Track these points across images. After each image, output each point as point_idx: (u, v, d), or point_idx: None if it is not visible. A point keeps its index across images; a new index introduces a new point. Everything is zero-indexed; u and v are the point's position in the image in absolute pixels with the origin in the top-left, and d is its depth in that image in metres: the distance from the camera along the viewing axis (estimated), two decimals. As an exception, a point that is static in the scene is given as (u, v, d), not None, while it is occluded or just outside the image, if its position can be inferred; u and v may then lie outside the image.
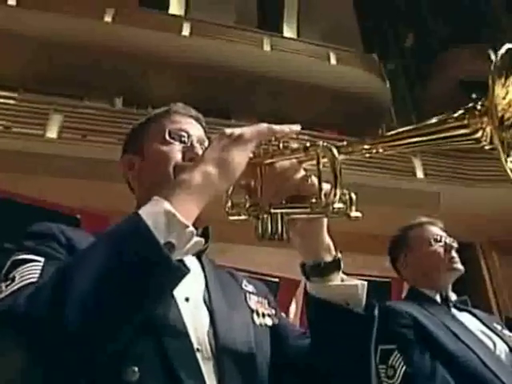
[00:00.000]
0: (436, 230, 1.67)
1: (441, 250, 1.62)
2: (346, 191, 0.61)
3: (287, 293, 2.66)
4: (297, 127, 0.66)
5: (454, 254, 1.62)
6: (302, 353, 0.77)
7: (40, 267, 0.63)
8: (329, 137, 7.37)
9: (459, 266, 1.61)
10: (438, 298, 1.59)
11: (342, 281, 0.74)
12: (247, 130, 0.62)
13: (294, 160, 0.67)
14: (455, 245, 1.64)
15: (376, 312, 0.72)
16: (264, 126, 0.64)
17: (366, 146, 0.64)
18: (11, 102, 6.58)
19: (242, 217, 0.71)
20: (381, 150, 0.63)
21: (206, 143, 0.92)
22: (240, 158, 0.61)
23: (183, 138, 0.88)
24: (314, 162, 0.65)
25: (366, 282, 0.74)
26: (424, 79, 10.08)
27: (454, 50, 9.60)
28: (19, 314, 0.50)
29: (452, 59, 9.56)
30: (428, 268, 1.62)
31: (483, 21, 9.63)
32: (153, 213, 0.55)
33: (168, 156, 0.85)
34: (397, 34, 11.04)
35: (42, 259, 0.64)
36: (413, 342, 1.38)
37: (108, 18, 8.02)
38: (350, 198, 0.60)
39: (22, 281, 0.59)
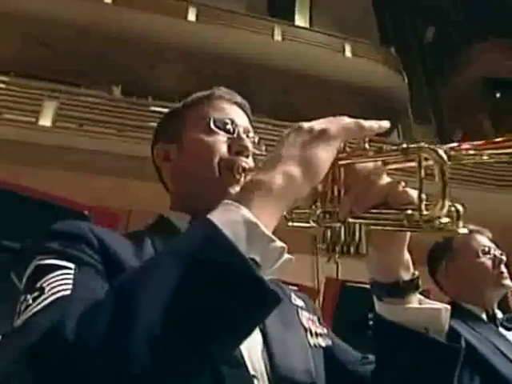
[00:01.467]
0: (484, 241, 1.60)
1: (489, 262, 1.56)
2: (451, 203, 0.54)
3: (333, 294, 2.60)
4: (386, 124, 0.60)
5: (503, 268, 1.56)
6: (364, 382, 0.73)
7: (71, 276, 0.56)
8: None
9: (508, 282, 1.55)
10: (484, 316, 1.53)
11: (420, 303, 0.68)
12: (331, 126, 0.56)
13: (379, 162, 0.60)
14: (504, 258, 1.57)
15: (463, 343, 0.67)
16: (350, 121, 0.58)
17: (471, 152, 0.57)
18: (1, 85, 6.52)
19: (307, 224, 0.65)
20: (486, 158, 0.56)
21: (252, 134, 0.87)
22: (325, 156, 0.55)
23: (228, 128, 0.84)
24: (399, 164, 0.59)
25: (449, 306, 0.68)
26: (444, 75, 10.03)
27: (478, 45, 9.55)
28: (68, 341, 0.42)
29: (475, 55, 9.53)
30: (474, 281, 1.55)
31: (510, 15, 9.58)
32: (229, 221, 0.48)
33: (212, 148, 0.81)
34: (416, 26, 10.99)
35: (73, 266, 0.58)
36: (462, 364, 1.31)
37: (108, 0, 7.97)
38: (457, 211, 0.53)
39: (54, 293, 0.53)
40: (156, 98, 7.84)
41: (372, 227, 0.62)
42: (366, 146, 0.60)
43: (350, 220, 0.62)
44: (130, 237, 0.71)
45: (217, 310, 0.44)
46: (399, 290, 0.67)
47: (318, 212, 0.63)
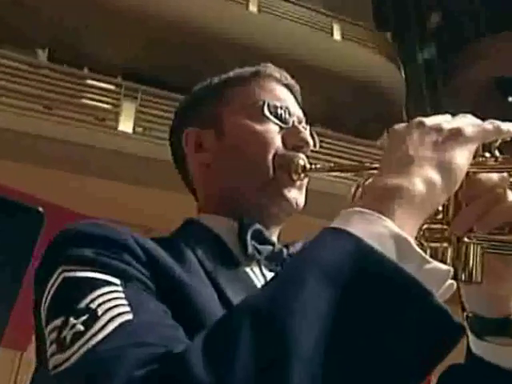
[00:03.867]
0: None
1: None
2: None
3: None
4: None
5: None
6: None
7: (122, 295, 0.55)
8: (321, 133, 7.43)
9: None
10: None
11: None
12: (467, 126, 0.57)
13: (506, 174, 0.62)
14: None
15: None
16: (487, 122, 0.59)
17: None
18: None
19: None
20: None
21: (305, 124, 0.88)
22: (463, 161, 0.55)
23: (282, 116, 0.84)
24: None
25: None
26: (448, 72, 10.40)
27: (490, 38, 9.93)
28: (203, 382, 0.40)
29: (485, 50, 9.89)
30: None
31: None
32: (374, 235, 0.47)
33: (266, 139, 0.81)
34: (419, 9, 11.36)
35: (118, 281, 0.57)
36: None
37: None
38: None
39: (113, 317, 0.51)
40: (93, 70, 7.72)
41: (491, 251, 0.62)
42: (489, 153, 0.61)
43: (466, 240, 0.62)
44: (162, 244, 0.69)
45: (390, 345, 0.43)
46: (507, 329, 0.68)
47: (424, 227, 0.63)
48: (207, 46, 7.99)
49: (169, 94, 6.54)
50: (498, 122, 0.59)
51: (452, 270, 0.50)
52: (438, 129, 0.57)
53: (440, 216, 0.64)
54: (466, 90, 9.87)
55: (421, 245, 0.65)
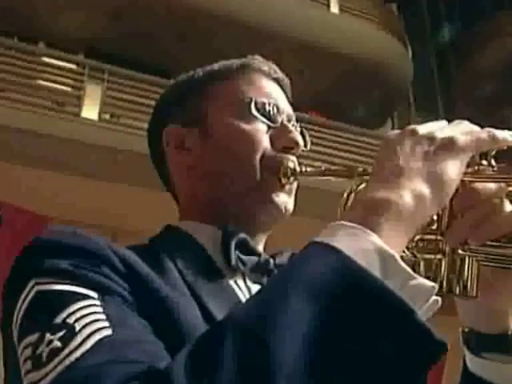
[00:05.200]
0: None
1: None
2: None
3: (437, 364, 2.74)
4: None
5: None
6: None
7: (100, 309, 0.60)
8: (314, 121, 7.48)
9: None
10: None
11: None
12: (461, 135, 0.62)
13: (503, 184, 0.67)
14: None
15: None
16: (482, 131, 0.64)
17: None
18: None
19: (402, 253, 0.71)
20: None
21: (295, 122, 0.93)
22: (454, 173, 0.61)
23: (271, 114, 0.89)
24: None
25: None
26: (461, 51, 10.47)
27: (510, 12, 9.98)
28: None
29: (504, 25, 9.96)
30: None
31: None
32: (360, 251, 0.53)
33: (254, 140, 0.86)
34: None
35: (95, 294, 0.62)
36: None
37: None
38: None
39: (92, 333, 0.56)
40: (51, 45, 7.69)
41: (486, 263, 0.69)
42: (486, 162, 0.67)
43: (460, 252, 0.68)
44: (140, 253, 0.74)
45: (371, 363, 0.49)
46: (506, 345, 0.74)
47: (416, 239, 0.70)
48: (186, 17, 7.96)
49: (141, 75, 6.54)
50: (493, 131, 0.65)
51: (436, 286, 0.56)
52: (430, 138, 0.63)
53: (434, 226, 0.70)
54: (481, 71, 9.93)
55: (414, 256, 0.71)
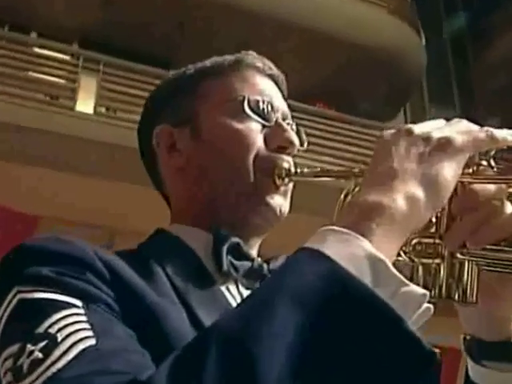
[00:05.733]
0: None
1: None
2: None
3: (451, 366, 2.70)
4: None
5: None
6: None
7: (84, 318, 0.61)
8: (322, 113, 7.47)
9: None
10: None
11: None
12: (458, 135, 0.64)
13: (504, 185, 0.69)
14: None
15: None
16: (480, 130, 0.65)
17: None
18: None
19: (400, 258, 0.73)
20: None
21: (290, 120, 0.95)
22: (450, 175, 0.62)
23: (265, 112, 0.90)
24: None
25: None
26: (479, 39, 10.43)
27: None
28: None
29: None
30: None
31: None
32: (349, 257, 0.55)
33: (247, 140, 0.88)
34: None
35: (79, 303, 0.63)
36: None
37: None
38: None
39: (75, 343, 0.57)
40: (44, 35, 7.70)
41: (486, 268, 0.70)
42: (486, 162, 0.68)
43: (459, 256, 0.70)
44: (129, 259, 0.76)
45: (359, 372, 0.51)
46: (508, 353, 0.75)
47: (414, 242, 0.71)
48: (185, 3, 7.95)
49: (138, 65, 6.54)
50: (492, 130, 0.66)
51: (427, 293, 0.57)
52: (425, 138, 0.64)
53: (433, 229, 0.71)
54: (500, 61, 9.90)
55: (412, 261, 0.73)
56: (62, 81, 6.50)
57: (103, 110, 6.33)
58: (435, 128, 0.66)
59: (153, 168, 0.96)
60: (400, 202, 0.59)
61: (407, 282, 0.56)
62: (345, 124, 7.23)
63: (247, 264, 0.84)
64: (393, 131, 0.67)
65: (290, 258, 0.59)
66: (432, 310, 0.58)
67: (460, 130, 0.65)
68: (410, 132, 0.65)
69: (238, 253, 0.84)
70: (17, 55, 6.28)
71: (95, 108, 6.11)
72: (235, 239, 0.84)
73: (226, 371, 0.49)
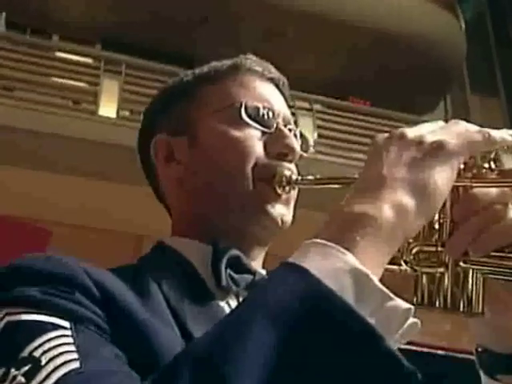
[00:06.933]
0: None
1: None
2: None
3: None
4: None
5: None
6: None
7: (71, 340, 0.62)
8: (358, 109, 7.43)
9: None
10: None
11: None
12: (451, 138, 0.63)
13: (507, 188, 0.68)
14: None
15: None
16: (474, 130, 0.65)
17: None
18: None
19: (395, 267, 0.73)
20: None
21: (292, 126, 0.95)
22: (443, 181, 0.62)
23: (265, 119, 0.91)
24: None
25: None
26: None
27: None
28: None
29: None
30: None
31: None
32: (331, 271, 0.55)
33: (245, 147, 0.88)
34: None
35: (67, 324, 0.64)
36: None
37: None
38: None
39: (57, 367, 0.58)
40: (64, 37, 7.80)
41: (492, 276, 0.70)
42: (488, 164, 0.69)
43: (462, 265, 0.70)
44: (124, 276, 0.77)
45: None
46: None
47: (415, 251, 0.71)
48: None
49: (161, 65, 6.61)
50: (489, 131, 0.65)
51: (412, 308, 0.57)
52: (418, 143, 0.64)
53: (436, 237, 0.71)
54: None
55: (414, 270, 0.73)
56: (83, 85, 6.54)
57: (127, 113, 6.35)
58: (429, 131, 0.65)
59: (153, 178, 0.98)
60: (387, 211, 0.59)
61: (392, 296, 0.56)
62: (380, 119, 7.18)
63: (248, 277, 0.84)
64: (386, 135, 0.67)
65: (271, 274, 0.59)
66: (419, 325, 0.58)
67: (455, 132, 0.65)
68: (402, 136, 0.65)
69: (238, 266, 0.84)
70: (38, 60, 6.36)
71: (118, 112, 6.15)
72: (235, 252, 0.84)
73: None
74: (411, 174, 0.62)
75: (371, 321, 0.54)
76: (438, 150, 0.63)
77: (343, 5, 8.39)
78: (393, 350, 0.52)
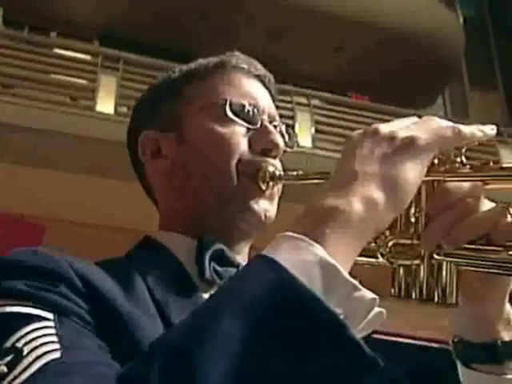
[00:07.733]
0: None
1: None
2: None
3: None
4: (493, 130, 0.70)
5: None
6: None
7: (53, 331, 0.64)
8: (359, 105, 7.44)
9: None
10: None
11: None
12: (421, 132, 0.65)
13: (479, 182, 0.70)
14: None
15: None
16: (445, 126, 0.67)
17: None
18: None
19: (372, 259, 0.75)
20: None
21: (278, 122, 0.97)
22: (413, 176, 0.64)
23: (250, 115, 0.93)
24: (501, 184, 0.69)
25: None
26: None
27: None
28: None
29: None
30: None
31: None
32: (300, 263, 0.57)
33: (229, 144, 0.90)
34: None
35: (51, 316, 0.66)
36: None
37: None
38: None
39: (38, 357, 0.60)
40: (62, 34, 7.80)
41: (465, 268, 0.72)
42: (460, 159, 0.71)
43: (436, 257, 0.72)
44: (110, 269, 0.79)
45: (301, 381, 0.53)
46: (496, 354, 0.77)
47: (391, 244, 0.73)
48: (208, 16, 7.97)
49: (159, 62, 6.57)
50: (460, 127, 0.67)
51: (377, 298, 0.59)
52: (389, 137, 0.66)
53: (412, 230, 0.74)
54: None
55: (390, 263, 0.75)
56: (81, 81, 6.55)
57: (124, 109, 6.35)
58: (402, 127, 0.67)
59: (142, 174, 1.00)
60: (357, 205, 0.61)
61: (359, 286, 0.58)
62: (378, 114, 7.18)
63: (232, 270, 0.86)
64: (360, 131, 0.69)
65: (244, 266, 0.62)
66: (384, 314, 0.61)
67: (427, 128, 0.66)
68: (375, 132, 0.67)
69: (223, 259, 0.86)
70: (36, 57, 6.37)
71: (116, 108, 6.16)
72: (219, 246, 0.87)
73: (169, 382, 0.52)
74: (382, 169, 0.64)
75: (338, 310, 0.56)
76: (409, 146, 0.65)
77: (343, 1, 8.38)
78: (356, 338, 0.54)
